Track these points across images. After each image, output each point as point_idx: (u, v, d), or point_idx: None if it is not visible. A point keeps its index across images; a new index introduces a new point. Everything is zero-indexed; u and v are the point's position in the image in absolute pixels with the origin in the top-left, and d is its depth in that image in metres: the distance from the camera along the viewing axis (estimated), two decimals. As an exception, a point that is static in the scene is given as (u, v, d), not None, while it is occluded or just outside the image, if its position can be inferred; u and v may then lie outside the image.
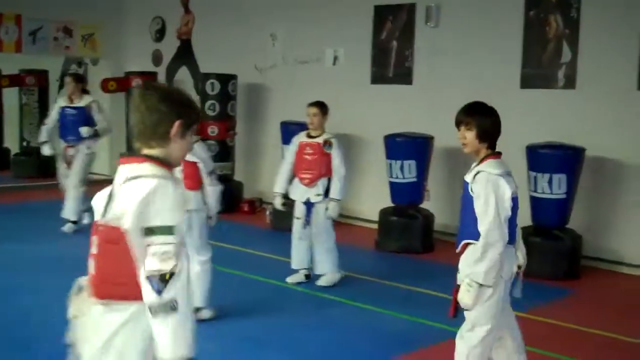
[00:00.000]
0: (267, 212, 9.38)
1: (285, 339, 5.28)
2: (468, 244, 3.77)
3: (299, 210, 6.60)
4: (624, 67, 7.48)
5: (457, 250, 3.87)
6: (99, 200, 2.54)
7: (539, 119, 7.82)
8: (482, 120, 3.76)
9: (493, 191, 3.64)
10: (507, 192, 3.67)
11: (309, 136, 6.61)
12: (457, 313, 3.80)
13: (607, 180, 7.68)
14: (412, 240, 8.19)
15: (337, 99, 8.11)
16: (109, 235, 2.39)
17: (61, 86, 13.99)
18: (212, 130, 10.40)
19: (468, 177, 3.78)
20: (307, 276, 6.64)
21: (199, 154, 5.51)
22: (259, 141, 10.89)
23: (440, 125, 8.50)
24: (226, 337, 5.29)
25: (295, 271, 6.70)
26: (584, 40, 7.80)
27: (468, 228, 3.75)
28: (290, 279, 6.69)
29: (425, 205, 8.42)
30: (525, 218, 5.89)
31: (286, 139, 8.43)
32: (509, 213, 3.69)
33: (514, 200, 3.75)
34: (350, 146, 9.13)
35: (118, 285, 2.40)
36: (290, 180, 6.69)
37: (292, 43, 10.41)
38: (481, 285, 3.65)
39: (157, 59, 12.55)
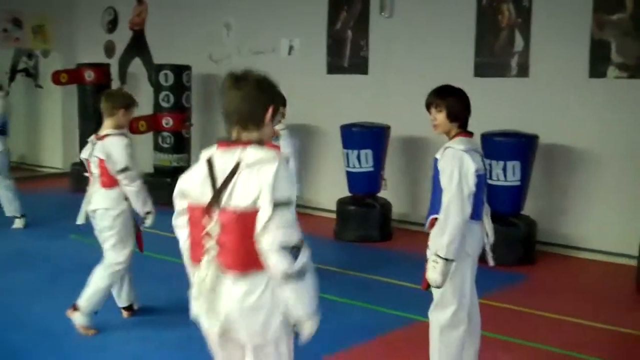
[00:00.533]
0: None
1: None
2: (436, 219, 3.84)
3: None
4: (576, 55, 7.60)
5: (426, 228, 3.94)
6: (194, 183, 2.74)
7: (493, 107, 7.89)
8: (451, 101, 3.89)
9: (457, 166, 3.75)
10: (471, 168, 3.76)
11: None
12: (429, 287, 3.86)
13: (560, 166, 7.81)
14: (370, 229, 8.23)
15: (293, 89, 8.07)
16: (242, 215, 2.61)
17: (11, 79, 13.73)
18: (167, 121, 10.30)
19: (438, 154, 3.90)
20: None
21: (107, 149, 5.07)
22: (215, 133, 10.79)
23: (396, 114, 8.56)
24: (186, 327, 5.26)
25: None
26: (536, 29, 7.90)
27: (436, 204, 3.83)
28: None
29: (382, 194, 8.46)
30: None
31: (242, 130, 8.38)
32: (473, 189, 3.76)
33: (480, 177, 3.82)
34: (307, 136, 9.13)
35: (255, 258, 2.62)
36: None
37: (246, 33, 10.35)
38: (446, 260, 3.71)
39: (109, 50, 12.35)
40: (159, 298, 5.95)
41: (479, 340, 4.10)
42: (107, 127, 5.17)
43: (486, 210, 4.05)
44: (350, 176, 8.35)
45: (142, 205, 5.16)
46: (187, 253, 2.86)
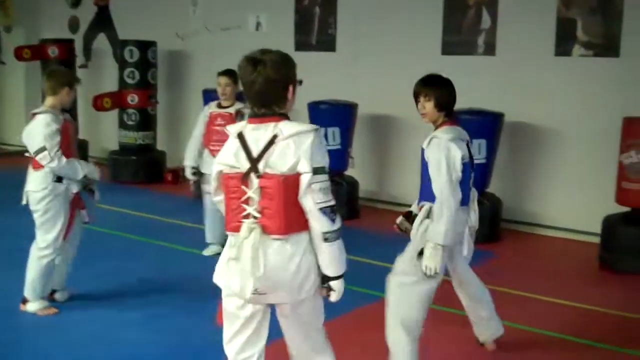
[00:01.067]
0: (192, 182, 9.24)
1: (207, 308, 5.24)
2: (423, 206, 3.98)
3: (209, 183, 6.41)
4: (542, 33, 7.63)
5: (416, 211, 4.11)
6: (228, 156, 2.94)
7: (460, 85, 7.80)
8: (440, 91, 4.03)
9: (444, 155, 3.86)
10: (457, 155, 3.87)
11: (220, 106, 6.40)
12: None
13: (525, 144, 7.86)
14: (338, 207, 8.19)
15: (260, 66, 8.04)
16: (285, 180, 2.83)
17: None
18: (132, 98, 10.17)
19: (424, 144, 4.00)
20: (223, 245, 6.49)
21: (30, 129, 4.95)
22: (181, 109, 10.69)
23: (363, 92, 8.54)
24: (148, 306, 5.24)
25: (210, 244, 6.64)
26: (503, 7, 7.91)
27: (425, 191, 3.97)
28: (206, 252, 6.60)
29: (349, 172, 8.45)
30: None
31: (209, 107, 8.30)
32: (459, 174, 3.88)
33: (465, 164, 3.94)
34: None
35: (295, 220, 2.87)
36: (200, 153, 6.50)
37: (213, 9, 10.24)
38: (443, 246, 3.83)
39: (73, 25, 12.13)
40: (119, 276, 5.92)
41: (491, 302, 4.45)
42: (46, 105, 5.05)
43: (473, 196, 4.15)
44: (318, 154, 8.31)
45: (74, 176, 4.97)
46: None
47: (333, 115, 8.25)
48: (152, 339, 4.70)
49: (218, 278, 3.09)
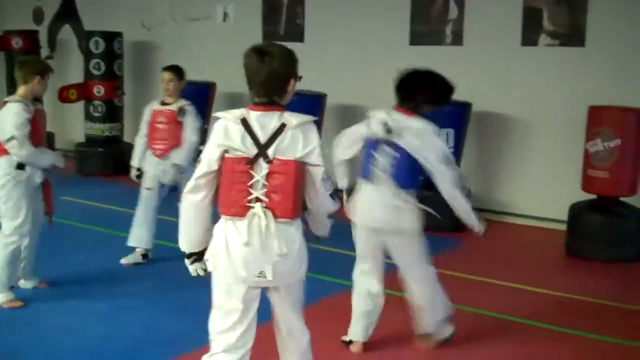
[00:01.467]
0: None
1: (173, 300, 5.22)
2: None
3: (150, 180, 6.07)
4: (509, 23, 7.68)
5: None
6: (235, 138, 2.98)
7: (428, 75, 7.93)
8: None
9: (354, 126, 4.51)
10: (354, 128, 4.48)
11: (163, 103, 6.12)
12: None
13: (492, 134, 7.92)
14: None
15: (227, 56, 7.97)
16: (298, 166, 2.97)
17: None
18: (98, 90, 10.06)
19: None
20: (145, 256, 6.12)
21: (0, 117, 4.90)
22: (148, 101, 10.50)
23: (332, 82, 8.53)
24: (114, 298, 5.20)
25: (132, 250, 6.12)
26: (470, -3, 7.96)
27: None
28: (125, 260, 6.05)
29: (318, 162, 8.44)
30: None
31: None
32: (354, 144, 4.48)
33: (368, 141, 4.35)
34: (241, 105, 8.99)
35: (298, 205, 3.04)
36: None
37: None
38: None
39: (38, 16, 11.95)
40: (86, 269, 5.86)
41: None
42: (17, 94, 5.02)
43: (377, 176, 4.38)
44: (287, 145, 8.29)
45: (41, 164, 5.01)
46: (207, 208, 3.08)
47: (302, 106, 8.13)
48: (120, 332, 4.66)
49: (216, 266, 3.04)
